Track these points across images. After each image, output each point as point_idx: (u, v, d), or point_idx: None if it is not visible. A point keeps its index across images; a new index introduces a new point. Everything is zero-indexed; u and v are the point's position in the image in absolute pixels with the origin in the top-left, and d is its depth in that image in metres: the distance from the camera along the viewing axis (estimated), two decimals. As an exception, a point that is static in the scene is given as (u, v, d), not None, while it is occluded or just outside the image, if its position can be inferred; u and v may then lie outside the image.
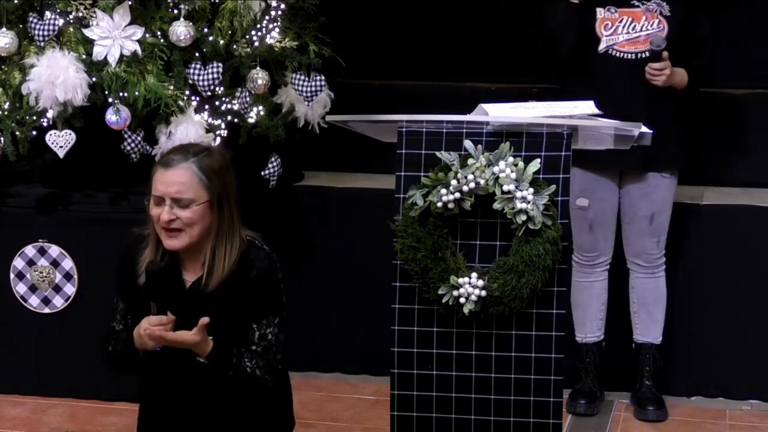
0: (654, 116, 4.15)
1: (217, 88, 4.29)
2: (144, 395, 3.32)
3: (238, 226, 3.22)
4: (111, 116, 4.15)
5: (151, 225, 3.19)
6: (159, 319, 3.09)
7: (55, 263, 4.49)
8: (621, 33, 4.24)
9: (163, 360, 3.16)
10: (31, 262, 4.50)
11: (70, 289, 4.49)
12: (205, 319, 3.06)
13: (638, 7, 4.26)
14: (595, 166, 4.27)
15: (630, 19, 4.24)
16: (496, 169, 3.13)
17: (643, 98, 4.21)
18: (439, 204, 3.15)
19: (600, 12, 4.26)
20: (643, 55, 4.24)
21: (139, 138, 4.28)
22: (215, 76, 4.25)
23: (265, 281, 3.20)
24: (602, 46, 4.26)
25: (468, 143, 3.17)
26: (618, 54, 4.25)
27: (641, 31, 4.24)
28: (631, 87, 4.22)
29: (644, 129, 3.27)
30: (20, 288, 4.52)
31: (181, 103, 4.21)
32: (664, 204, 4.37)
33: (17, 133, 4.19)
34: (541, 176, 3.16)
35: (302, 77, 4.42)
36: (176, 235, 3.14)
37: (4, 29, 4.18)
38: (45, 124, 4.20)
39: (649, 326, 4.46)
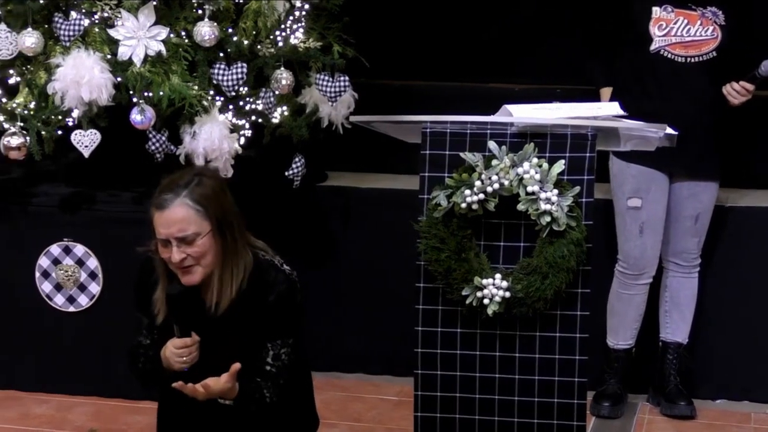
0: (699, 123, 4.17)
1: (242, 89, 4.30)
2: (164, 397, 3.31)
3: (244, 243, 3.19)
4: (136, 116, 4.16)
5: (161, 261, 3.17)
6: (183, 342, 3.11)
7: (80, 262, 4.50)
8: (674, 35, 4.22)
9: (188, 380, 3.13)
10: (56, 261, 4.52)
11: (95, 288, 4.51)
12: (236, 366, 3.05)
13: (695, 10, 4.23)
14: (652, 163, 4.24)
15: (685, 22, 4.21)
16: (520, 170, 3.12)
17: (690, 103, 4.21)
18: (463, 205, 3.14)
19: (656, 11, 4.23)
20: (692, 60, 4.22)
21: (163, 138, 4.29)
22: (239, 76, 4.26)
23: (283, 305, 3.18)
24: (654, 46, 4.24)
25: (492, 144, 3.17)
26: (669, 55, 4.23)
27: (695, 36, 4.22)
28: (680, 90, 4.21)
29: (669, 131, 3.25)
30: (45, 287, 4.54)
31: (205, 103, 4.22)
32: (709, 205, 4.39)
33: (43, 132, 4.22)
34: (565, 177, 3.14)
35: (326, 77, 4.42)
36: (191, 270, 3.12)
37: (30, 29, 4.20)
38: (70, 123, 4.22)
39: (679, 326, 4.45)
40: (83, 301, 4.53)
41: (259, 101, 4.36)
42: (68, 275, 4.52)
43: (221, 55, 4.29)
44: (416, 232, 3.21)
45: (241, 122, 4.34)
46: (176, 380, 3.10)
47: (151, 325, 3.26)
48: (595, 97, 4.40)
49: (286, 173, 4.56)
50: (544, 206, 3.10)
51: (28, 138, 4.22)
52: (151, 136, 4.27)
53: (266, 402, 3.17)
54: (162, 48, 4.19)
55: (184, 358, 3.12)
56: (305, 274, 3.46)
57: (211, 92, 4.26)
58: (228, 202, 3.18)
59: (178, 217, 3.09)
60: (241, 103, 4.34)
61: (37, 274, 4.54)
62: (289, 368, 3.21)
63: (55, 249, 4.52)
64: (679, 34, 4.22)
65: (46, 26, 4.25)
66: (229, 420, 3.20)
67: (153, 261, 3.23)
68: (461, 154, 3.17)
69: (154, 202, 3.13)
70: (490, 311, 3.15)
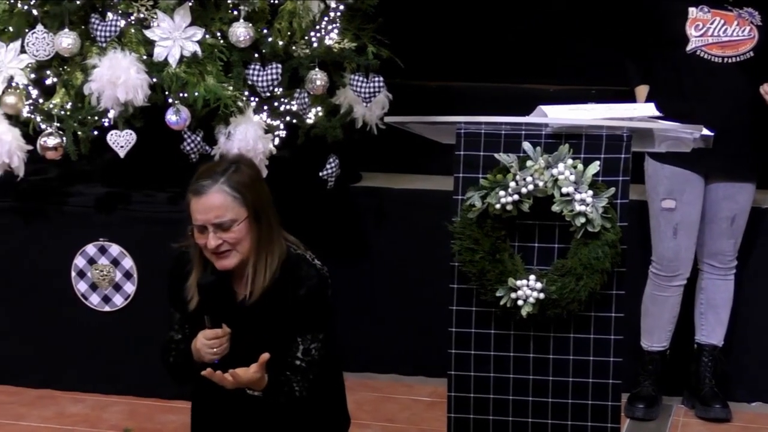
0: (736, 123, 4.14)
1: (276, 89, 4.31)
2: (197, 394, 3.33)
3: (278, 232, 3.20)
4: (171, 116, 4.18)
5: (196, 250, 3.19)
6: (214, 333, 3.12)
7: (115, 262, 4.53)
8: (711, 35, 4.20)
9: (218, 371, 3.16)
10: (91, 261, 4.55)
11: (129, 288, 4.54)
12: (265, 356, 3.06)
13: (731, 11, 4.21)
14: (687, 164, 4.22)
15: (722, 22, 4.20)
16: (555, 171, 3.11)
17: (727, 103, 4.19)
18: (498, 206, 3.13)
19: (692, 12, 4.22)
20: (729, 60, 4.20)
21: (198, 138, 4.31)
22: (274, 77, 4.27)
23: (314, 299, 3.18)
24: (690, 47, 4.22)
25: (527, 145, 3.16)
26: (705, 56, 4.21)
27: (732, 36, 4.20)
28: (716, 91, 4.20)
29: (705, 132, 3.23)
30: (81, 286, 4.57)
31: (240, 103, 4.24)
32: (746, 206, 4.36)
33: (79, 132, 4.24)
34: (600, 178, 3.13)
35: (361, 78, 4.42)
36: (227, 255, 3.14)
37: (66, 30, 4.23)
38: (106, 124, 4.25)
39: (715, 328, 4.43)
40: (118, 300, 4.56)
41: (293, 102, 4.37)
42: (103, 275, 4.55)
43: (256, 55, 4.30)
44: (450, 233, 3.21)
45: (275, 123, 4.35)
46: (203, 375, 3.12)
47: (183, 320, 3.27)
48: (631, 98, 4.38)
49: (320, 174, 4.57)
50: (578, 207, 3.09)
51: (64, 138, 4.25)
52: (186, 136, 4.29)
53: (295, 396, 3.17)
54: (197, 49, 4.21)
55: (215, 350, 3.13)
56: (338, 274, 3.47)
57: (246, 93, 4.27)
58: (264, 191, 3.21)
59: (216, 203, 3.11)
60: (275, 103, 4.35)
61: (73, 274, 4.57)
62: (319, 364, 3.21)
63: (90, 249, 4.55)
64: (716, 34, 4.20)
65: (83, 27, 4.28)
66: (262, 418, 3.21)
67: (187, 254, 3.25)
68: (496, 155, 3.16)
69: (192, 188, 3.15)
70: (524, 312, 3.14)
